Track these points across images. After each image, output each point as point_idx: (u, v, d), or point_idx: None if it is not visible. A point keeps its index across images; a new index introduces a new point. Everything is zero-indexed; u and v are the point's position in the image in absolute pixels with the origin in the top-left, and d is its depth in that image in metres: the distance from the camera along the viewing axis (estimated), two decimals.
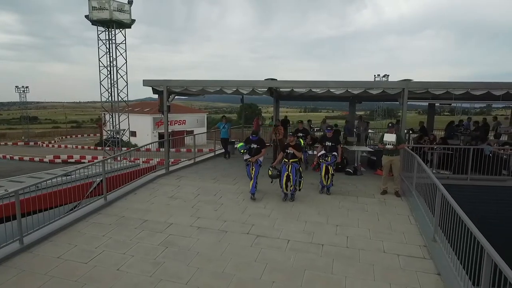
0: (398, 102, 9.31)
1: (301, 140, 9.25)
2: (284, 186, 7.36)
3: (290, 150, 7.41)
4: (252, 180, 7.65)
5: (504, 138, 13.02)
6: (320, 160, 8.17)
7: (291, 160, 7.37)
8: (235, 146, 7.63)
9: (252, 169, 7.74)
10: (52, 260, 5.06)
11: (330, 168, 8.00)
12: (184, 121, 46.97)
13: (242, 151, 7.81)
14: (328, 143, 8.16)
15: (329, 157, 8.09)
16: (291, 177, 7.30)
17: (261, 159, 7.85)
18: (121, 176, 8.48)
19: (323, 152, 8.20)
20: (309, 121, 16.02)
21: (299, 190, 7.59)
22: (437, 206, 5.23)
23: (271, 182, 7.63)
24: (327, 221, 6.52)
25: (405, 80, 9.51)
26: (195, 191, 8.43)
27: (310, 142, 14.15)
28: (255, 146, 7.74)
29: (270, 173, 7.49)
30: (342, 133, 14.77)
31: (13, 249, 5.21)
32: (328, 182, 8.01)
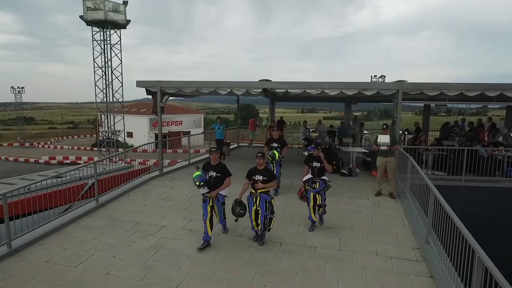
0: (393, 103, 9.31)
1: (276, 153, 7.42)
2: (254, 223, 5.56)
3: (259, 177, 5.45)
4: (208, 223, 5.44)
5: (499, 138, 13.03)
6: (307, 187, 6.24)
7: (259, 191, 5.45)
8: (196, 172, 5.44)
9: (212, 207, 5.50)
10: (40, 264, 4.99)
11: (319, 197, 6.09)
12: (181, 122, 46.84)
13: (198, 183, 5.30)
14: (316, 164, 6.19)
15: (317, 183, 6.16)
16: (260, 212, 5.46)
17: (223, 192, 5.56)
18: (114, 177, 8.40)
19: (309, 176, 6.24)
20: (304, 122, 16.01)
21: (269, 230, 5.58)
22: (430, 208, 5.20)
23: (235, 220, 5.78)
24: (320, 223, 6.48)
25: (399, 81, 9.51)
26: (188, 193, 8.36)
27: (306, 143, 14.16)
28: (213, 174, 5.46)
29: (233, 210, 5.60)
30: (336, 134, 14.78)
31: (0, 253, 5.13)
32: (320, 211, 6.19)
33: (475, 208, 8.35)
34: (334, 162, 10.64)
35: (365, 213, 7.05)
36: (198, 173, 5.36)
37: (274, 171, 7.59)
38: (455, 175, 9.35)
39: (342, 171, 10.35)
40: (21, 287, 4.43)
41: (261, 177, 5.43)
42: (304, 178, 6.28)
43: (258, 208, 5.45)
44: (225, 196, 5.67)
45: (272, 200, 5.53)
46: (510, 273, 3.57)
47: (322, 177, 6.19)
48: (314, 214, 6.11)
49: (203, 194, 5.51)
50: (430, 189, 5.23)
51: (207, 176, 5.43)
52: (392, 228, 6.27)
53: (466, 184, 9.18)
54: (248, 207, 5.57)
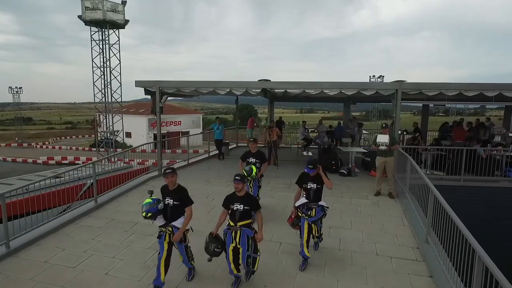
0: (391, 103, 9.32)
1: (254, 168, 6.21)
2: (232, 265, 4.29)
3: (238, 207, 4.31)
4: (163, 264, 4.27)
5: (497, 139, 13.10)
6: (300, 214, 5.03)
7: (239, 223, 4.29)
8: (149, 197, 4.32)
9: (171, 244, 4.37)
10: (39, 264, 4.97)
11: (315, 228, 5.03)
12: (179, 122, 46.78)
13: (144, 214, 4.17)
14: (311, 186, 5.01)
15: (314, 210, 4.98)
16: (240, 251, 4.28)
17: (180, 225, 4.33)
18: (113, 178, 8.38)
19: (304, 201, 5.05)
20: (303, 122, 16.01)
21: (253, 272, 4.48)
22: (429, 207, 5.21)
23: (209, 260, 4.36)
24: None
25: (398, 81, 9.53)
26: None
27: (305, 143, 14.16)
28: (170, 202, 4.32)
29: (206, 247, 4.34)
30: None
31: None
32: (315, 239, 5.26)
33: (474, 208, 8.36)
34: (334, 162, 10.65)
35: (365, 213, 7.05)
36: (148, 200, 4.23)
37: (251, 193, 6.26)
38: (454, 175, 9.36)
39: (341, 171, 10.35)
40: None
41: (241, 206, 4.29)
42: (297, 203, 5.08)
43: (238, 246, 4.27)
44: (185, 230, 4.41)
45: (255, 234, 4.35)
46: (510, 273, 3.57)
47: (319, 203, 5.00)
48: (308, 247, 4.90)
49: (159, 227, 4.40)
50: (429, 189, 5.24)
51: (161, 205, 4.26)
52: (392, 228, 6.27)
53: (465, 184, 9.19)
54: (225, 245, 4.34)
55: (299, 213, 5.06)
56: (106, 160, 12.99)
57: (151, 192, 4.38)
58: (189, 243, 4.51)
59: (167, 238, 4.33)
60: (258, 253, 4.43)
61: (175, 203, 4.32)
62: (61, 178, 7.99)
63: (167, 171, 4.38)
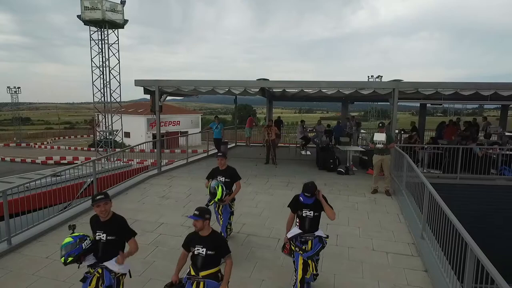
0: (389, 102, 9.42)
1: (219, 189, 5.04)
2: None
3: (200, 250, 3.30)
4: None
5: (494, 138, 13.21)
6: (294, 248, 4.11)
7: (202, 273, 3.29)
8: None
9: None
10: (40, 260, 5.04)
11: (312, 264, 4.05)
12: (178, 122, 46.84)
13: (63, 259, 3.12)
14: (307, 213, 4.05)
15: (310, 242, 4.06)
16: None
17: (116, 267, 3.32)
18: (112, 176, 8.46)
19: (297, 231, 4.10)
20: (302, 121, 16.10)
21: None
22: (425, 204, 5.30)
23: None
24: None
25: (395, 80, 9.63)
26: (186, 191, 8.43)
27: (303, 143, 14.25)
28: (103, 236, 3.33)
29: None
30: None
31: (1, 250, 5.18)
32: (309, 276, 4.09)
33: (470, 206, 8.45)
34: (331, 161, 10.74)
35: (362, 210, 7.14)
36: (67, 239, 3.18)
37: (221, 221, 5.35)
38: (450, 173, 9.46)
39: (339, 169, 10.45)
40: (21, 283, 4.48)
41: (204, 250, 3.27)
42: (289, 235, 4.15)
43: None
44: (119, 274, 3.36)
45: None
46: (507, 271, 3.64)
47: (317, 233, 4.09)
48: (303, 286, 4.01)
49: (87, 266, 3.37)
50: (425, 186, 5.33)
51: (87, 242, 3.25)
52: (388, 224, 6.37)
53: (461, 182, 9.29)
54: None
55: (292, 246, 4.14)
56: (105, 159, 13.04)
57: (72, 227, 3.37)
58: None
59: (93, 282, 3.28)
60: None
61: (109, 238, 3.30)
62: (61, 177, 8.06)
63: (98, 197, 3.28)
